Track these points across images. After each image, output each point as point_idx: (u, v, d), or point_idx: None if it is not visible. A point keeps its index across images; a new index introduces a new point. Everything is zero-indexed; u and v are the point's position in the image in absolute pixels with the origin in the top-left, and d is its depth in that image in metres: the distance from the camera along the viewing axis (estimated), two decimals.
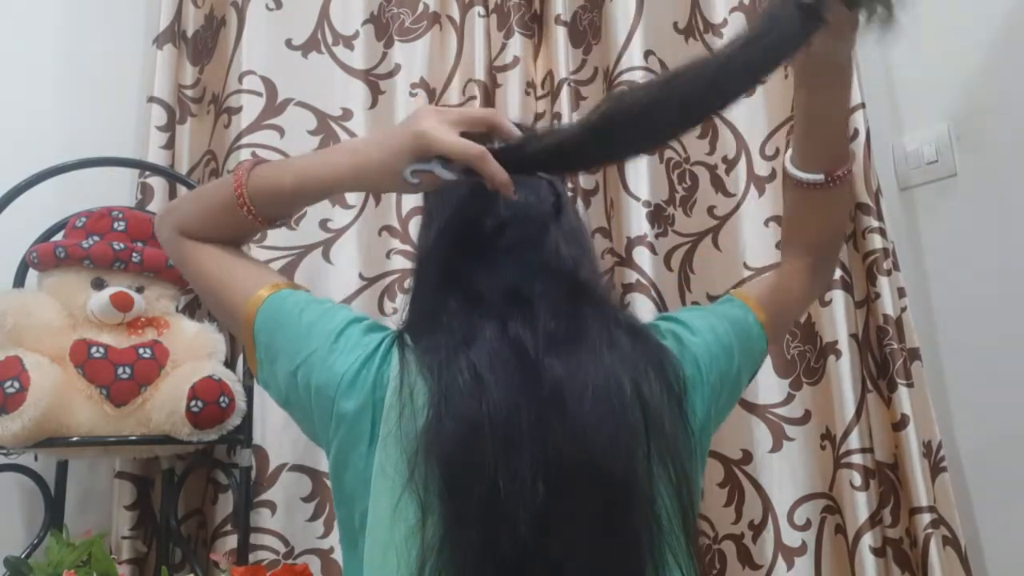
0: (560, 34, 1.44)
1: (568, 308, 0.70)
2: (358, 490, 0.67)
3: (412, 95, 1.44)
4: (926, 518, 1.10)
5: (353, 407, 0.67)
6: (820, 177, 0.77)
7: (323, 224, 1.37)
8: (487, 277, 0.71)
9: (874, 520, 1.12)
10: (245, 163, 0.75)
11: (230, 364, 1.24)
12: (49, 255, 1.11)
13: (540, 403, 0.64)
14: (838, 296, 1.19)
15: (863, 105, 1.24)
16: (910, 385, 1.16)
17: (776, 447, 1.22)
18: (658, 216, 1.35)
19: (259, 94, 1.40)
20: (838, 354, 1.17)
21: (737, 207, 1.31)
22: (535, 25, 1.51)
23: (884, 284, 1.18)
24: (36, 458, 1.16)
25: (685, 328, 0.76)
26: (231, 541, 1.21)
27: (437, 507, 0.61)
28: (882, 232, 1.21)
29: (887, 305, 1.17)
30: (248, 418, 1.19)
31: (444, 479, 0.62)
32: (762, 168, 1.32)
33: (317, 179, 0.72)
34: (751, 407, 1.24)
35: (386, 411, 0.66)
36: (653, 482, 0.65)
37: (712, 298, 1.31)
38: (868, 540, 1.11)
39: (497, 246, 0.73)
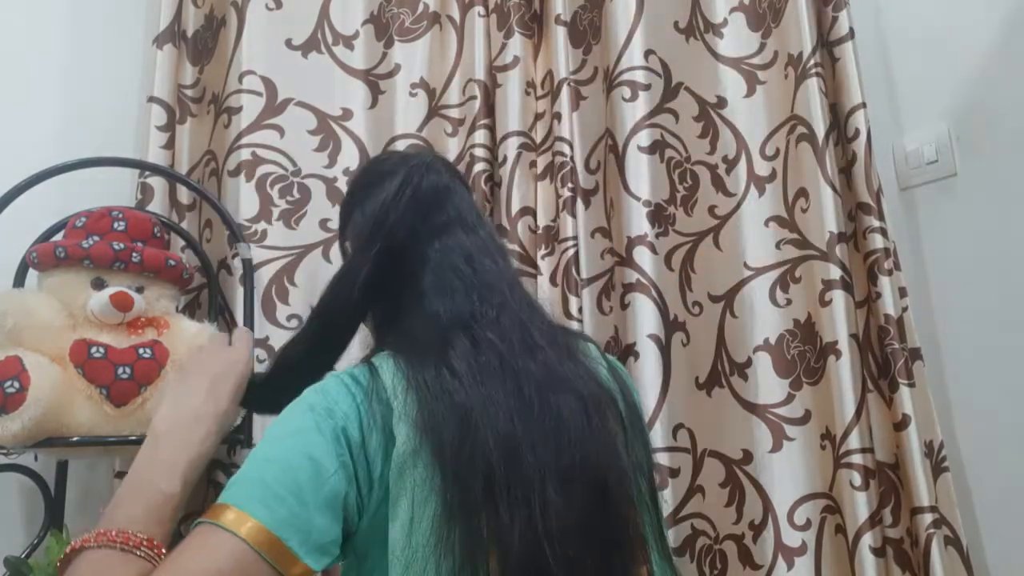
0: (560, 34, 1.44)
1: (525, 319, 0.75)
2: (384, 499, 0.67)
3: (412, 95, 1.44)
4: (928, 518, 1.10)
5: (367, 427, 0.67)
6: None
7: (323, 224, 1.37)
8: (452, 298, 0.75)
9: (874, 520, 1.12)
10: (89, 540, 0.65)
11: None
12: (49, 255, 1.11)
13: (526, 408, 0.68)
14: (838, 296, 1.19)
15: (863, 105, 1.24)
16: (911, 385, 1.16)
17: (776, 447, 1.22)
18: (658, 216, 1.35)
19: (259, 94, 1.40)
20: (838, 354, 1.17)
21: (737, 207, 1.31)
22: (535, 25, 1.51)
23: (885, 284, 1.18)
24: (36, 458, 1.16)
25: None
26: None
27: (440, 492, 0.64)
28: (883, 232, 1.21)
29: (888, 305, 1.17)
30: (248, 418, 1.19)
31: (440, 466, 0.64)
32: (762, 168, 1.32)
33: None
34: (751, 407, 1.24)
35: (393, 413, 0.67)
36: (632, 468, 0.73)
37: (713, 298, 1.31)
38: (868, 540, 1.11)
39: (447, 276, 0.77)
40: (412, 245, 0.79)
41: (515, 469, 0.64)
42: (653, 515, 0.75)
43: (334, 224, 1.35)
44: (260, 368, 0.85)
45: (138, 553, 0.64)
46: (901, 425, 1.13)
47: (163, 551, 0.66)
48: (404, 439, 0.65)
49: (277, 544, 0.60)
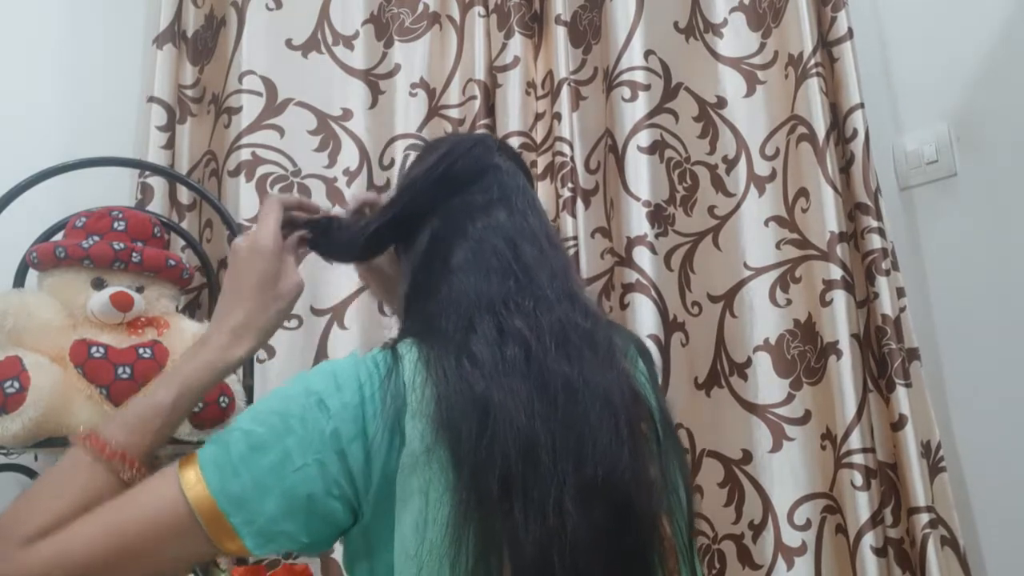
0: (560, 34, 1.44)
1: (563, 314, 0.71)
2: (389, 492, 0.64)
3: (412, 95, 1.44)
4: (924, 518, 1.10)
5: (381, 417, 0.64)
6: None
7: None
8: (485, 283, 0.71)
9: (875, 520, 1.12)
10: (87, 439, 0.66)
11: None
12: (49, 255, 1.11)
13: (549, 408, 0.64)
14: (839, 296, 1.19)
15: (862, 105, 1.24)
16: (908, 385, 1.16)
17: (776, 447, 1.22)
18: (658, 216, 1.35)
19: (259, 94, 1.40)
20: (839, 354, 1.17)
21: (737, 207, 1.31)
22: (535, 25, 1.51)
23: (883, 284, 1.18)
24: (36, 458, 1.16)
25: None
26: None
27: (455, 491, 0.62)
28: (881, 232, 1.21)
29: (885, 305, 1.17)
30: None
31: (455, 463, 0.62)
32: (762, 168, 1.32)
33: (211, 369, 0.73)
34: (751, 407, 1.24)
35: (408, 405, 0.65)
36: (664, 487, 0.68)
37: (712, 298, 1.31)
38: (869, 540, 1.11)
39: (491, 254, 0.74)
40: (447, 220, 0.76)
41: (533, 471, 0.61)
42: (685, 536, 0.69)
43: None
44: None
45: (110, 465, 0.65)
46: (898, 425, 1.13)
47: (136, 467, 0.66)
48: (417, 437, 0.63)
49: (219, 517, 0.61)
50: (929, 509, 1.10)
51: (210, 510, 0.61)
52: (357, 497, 0.64)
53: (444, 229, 0.76)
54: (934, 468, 1.14)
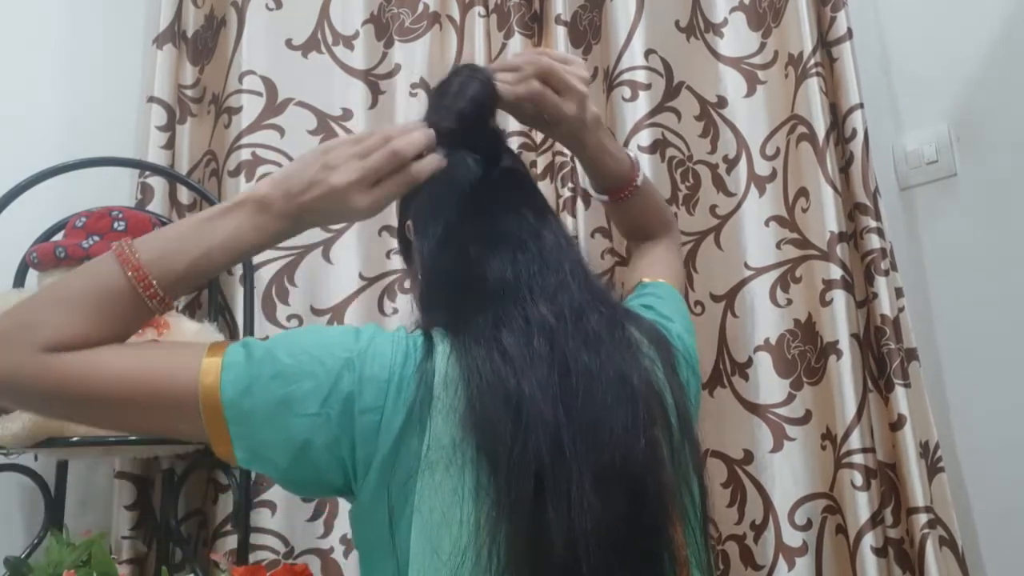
0: (560, 34, 1.44)
1: (584, 302, 0.71)
2: (409, 486, 0.64)
3: (412, 95, 1.44)
4: (923, 518, 1.09)
5: (405, 403, 0.64)
6: (606, 198, 0.91)
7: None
8: (510, 271, 0.71)
9: (875, 520, 1.12)
10: (116, 247, 0.65)
11: None
12: (49, 255, 1.11)
13: (571, 395, 0.64)
14: (839, 296, 1.19)
15: (861, 105, 1.24)
16: (907, 385, 1.15)
17: (777, 447, 1.22)
18: None
19: (259, 94, 1.40)
20: (839, 354, 1.17)
21: (738, 206, 1.31)
22: (535, 25, 1.51)
23: (882, 284, 1.18)
24: (36, 458, 1.16)
25: (665, 319, 0.80)
26: (231, 541, 1.21)
27: (487, 491, 0.61)
28: (879, 232, 1.20)
29: (884, 305, 1.17)
30: None
31: (489, 463, 0.62)
32: (763, 168, 1.32)
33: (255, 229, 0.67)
34: (752, 407, 1.24)
35: (436, 401, 0.64)
36: (676, 479, 0.67)
37: (714, 297, 1.31)
38: (870, 540, 1.10)
39: (506, 242, 0.73)
40: (465, 204, 0.76)
41: (561, 464, 0.61)
42: (699, 534, 0.68)
43: (334, 224, 1.35)
44: None
45: (149, 304, 0.65)
46: (897, 425, 1.13)
47: (160, 297, 0.65)
48: (447, 434, 0.63)
49: (219, 420, 0.62)
50: (928, 509, 1.10)
51: (214, 409, 0.62)
52: (355, 466, 0.64)
53: (460, 216, 0.75)
54: (933, 468, 1.14)
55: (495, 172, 0.79)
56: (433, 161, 0.72)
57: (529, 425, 0.62)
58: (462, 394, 0.64)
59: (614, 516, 0.61)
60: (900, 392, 1.14)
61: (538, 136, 1.45)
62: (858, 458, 1.14)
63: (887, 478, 1.16)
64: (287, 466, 0.64)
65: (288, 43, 1.43)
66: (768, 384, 1.24)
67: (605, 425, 0.63)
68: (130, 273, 0.63)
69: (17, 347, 0.62)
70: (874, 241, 1.20)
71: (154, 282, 0.64)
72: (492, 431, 0.62)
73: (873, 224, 1.20)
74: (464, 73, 0.78)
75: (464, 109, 0.75)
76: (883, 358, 1.17)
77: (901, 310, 1.20)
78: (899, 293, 1.20)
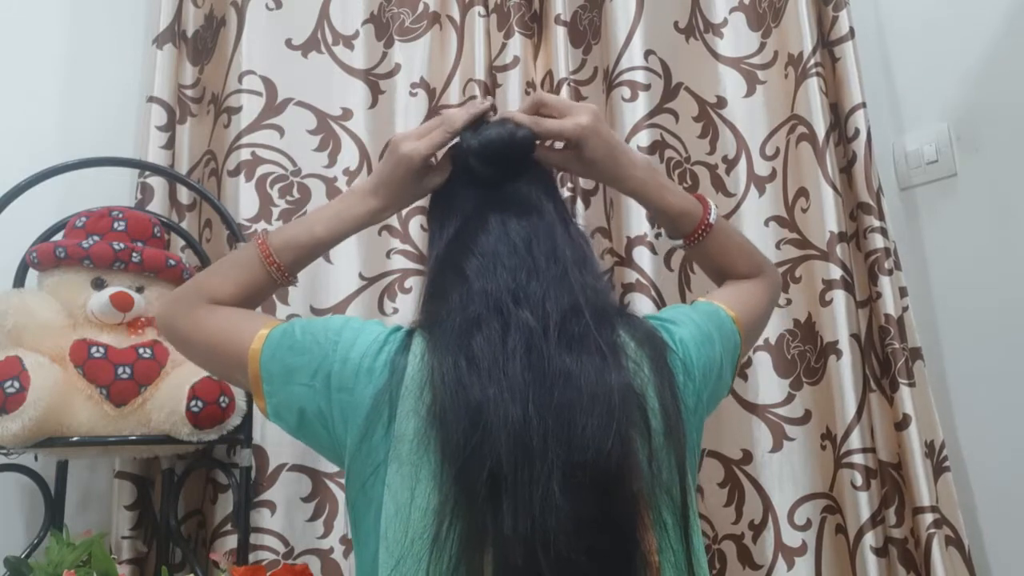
0: (560, 34, 1.44)
1: (571, 304, 0.72)
2: (376, 475, 0.68)
3: (412, 95, 1.44)
4: (928, 518, 1.10)
5: (373, 391, 0.70)
6: (680, 241, 0.91)
7: None
8: (496, 276, 0.73)
9: (876, 520, 1.12)
10: (262, 231, 0.80)
11: None
12: (49, 255, 1.11)
13: (545, 395, 0.66)
14: (839, 296, 1.19)
15: (863, 105, 1.24)
16: (912, 385, 1.15)
17: (776, 447, 1.22)
18: None
19: (259, 94, 1.40)
20: (839, 354, 1.17)
21: (737, 207, 1.31)
22: (535, 25, 1.51)
23: (886, 284, 1.18)
24: (36, 458, 1.16)
25: (670, 323, 0.81)
26: (231, 541, 1.21)
27: (443, 487, 0.64)
28: (883, 232, 1.21)
29: (888, 305, 1.17)
30: (248, 418, 1.19)
31: (446, 461, 0.65)
32: (762, 168, 1.32)
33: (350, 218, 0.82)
34: (751, 407, 1.24)
35: (403, 396, 0.68)
36: (652, 482, 0.67)
37: None
38: (870, 540, 1.10)
39: (507, 247, 0.76)
40: (475, 208, 0.80)
41: (525, 465, 0.63)
42: (677, 537, 0.67)
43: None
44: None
45: (271, 272, 0.81)
46: (902, 425, 1.13)
47: (283, 272, 0.82)
48: (411, 428, 0.67)
49: (257, 377, 0.75)
50: (933, 509, 1.10)
51: (255, 368, 0.75)
52: (340, 437, 0.71)
53: (470, 217, 0.79)
54: (938, 468, 1.14)
55: (511, 177, 0.81)
56: (476, 105, 0.82)
57: (488, 426, 0.64)
58: (427, 395, 0.68)
59: (581, 514, 0.62)
60: (905, 392, 1.14)
61: None
62: (858, 458, 1.14)
63: (891, 478, 1.15)
64: (295, 428, 0.76)
65: (288, 43, 1.43)
66: (767, 384, 1.24)
67: (578, 425, 0.65)
68: (261, 253, 0.81)
69: (187, 300, 0.82)
70: (878, 240, 1.20)
71: (277, 259, 0.81)
72: (448, 431, 0.65)
73: (876, 223, 1.20)
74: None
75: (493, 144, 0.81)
76: (887, 358, 1.17)
77: (905, 309, 1.20)
78: (903, 292, 1.20)
